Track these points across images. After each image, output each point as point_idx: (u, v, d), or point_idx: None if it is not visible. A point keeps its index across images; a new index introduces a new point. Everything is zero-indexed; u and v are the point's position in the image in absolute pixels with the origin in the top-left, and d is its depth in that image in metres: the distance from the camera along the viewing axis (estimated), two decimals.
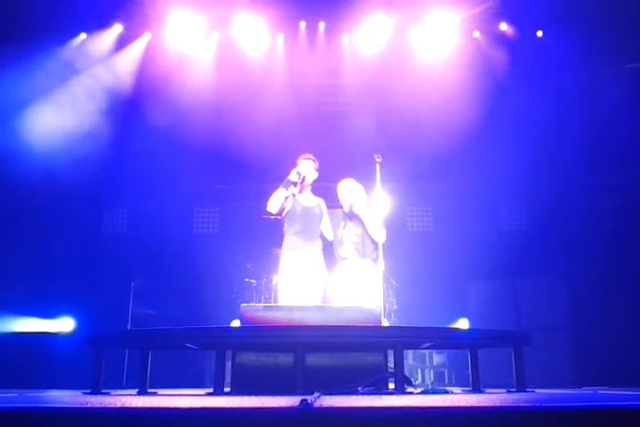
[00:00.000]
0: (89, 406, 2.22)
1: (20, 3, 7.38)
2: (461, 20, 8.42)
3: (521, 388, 4.00)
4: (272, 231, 5.57)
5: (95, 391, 3.80)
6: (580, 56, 7.93)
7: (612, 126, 7.79)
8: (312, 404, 2.12)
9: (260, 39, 8.59)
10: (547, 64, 8.30)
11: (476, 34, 8.65)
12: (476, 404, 2.34)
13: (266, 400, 2.45)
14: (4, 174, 7.39)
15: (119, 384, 6.57)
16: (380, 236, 4.96)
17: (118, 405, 2.26)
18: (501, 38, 8.56)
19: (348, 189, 5.23)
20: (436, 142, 7.96)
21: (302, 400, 2.13)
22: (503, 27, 8.54)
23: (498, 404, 2.36)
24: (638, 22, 7.68)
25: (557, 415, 2.19)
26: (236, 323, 4.83)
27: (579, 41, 7.82)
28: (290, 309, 4.05)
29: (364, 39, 8.63)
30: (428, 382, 7.39)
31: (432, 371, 7.57)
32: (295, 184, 5.05)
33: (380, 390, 3.74)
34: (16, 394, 3.83)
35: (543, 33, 8.51)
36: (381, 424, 2.15)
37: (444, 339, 4.18)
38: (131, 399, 2.63)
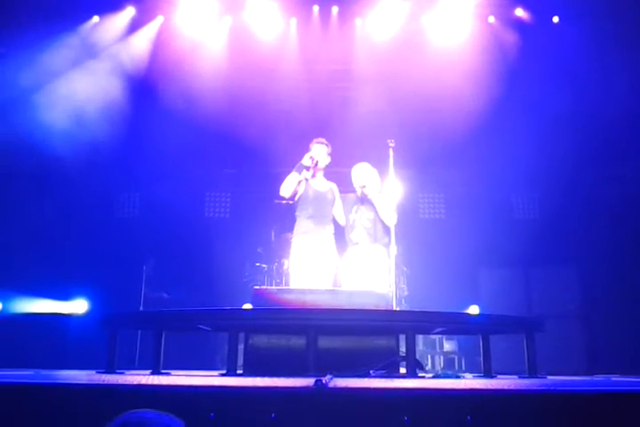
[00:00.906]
0: (105, 383, 2.25)
1: None
2: (476, 4, 8.33)
3: (533, 374, 3.99)
4: (283, 216, 5.58)
5: (110, 371, 3.84)
6: (595, 43, 7.83)
7: (627, 115, 7.71)
8: (327, 384, 2.14)
9: (272, 23, 8.52)
10: (561, 50, 8.20)
11: (492, 19, 8.54)
12: (488, 387, 2.35)
13: (280, 381, 2.47)
14: (18, 158, 7.43)
15: (132, 366, 6.64)
16: (392, 219, 4.96)
17: (134, 382, 2.29)
18: (517, 24, 8.46)
19: (362, 173, 5.21)
20: (449, 129, 7.92)
21: (317, 381, 2.15)
22: (519, 12, 8.44)
23: (512, 387, 2.37)
24: None
25: (569, 399, 2.20)
26: (247, 306, 4.86)
27: (594, 27, 7.73)
28: (302, 292, 4.06)
29: (378, 24, 8.55)
30: (439, 369, 7.40)
31: (442, 357, 7.58)
32: (308, 169, 5.04)
33: (392, 373, 3.75)
34: (32, 373, 3.87)
35: (559, 19, 8.40)
36: (395, 405, 2.17)
37: (456, 324, 4.18)
38: (146, 378, 2.66)
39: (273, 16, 8.43)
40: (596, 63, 8.06)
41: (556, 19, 8.41)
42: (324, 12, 8.56)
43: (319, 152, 5.10)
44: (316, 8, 8.54)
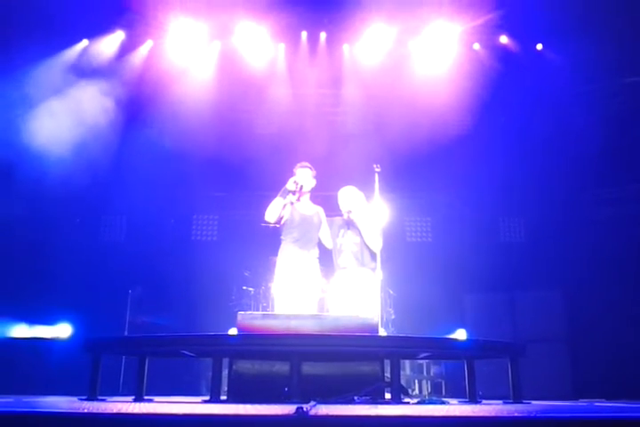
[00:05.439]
0: (85, 411, 2.22)
1: (22, 7, 7.43)
2: (462, 31, 8.49)
3: (517, 399, 3.99)
4: (270, 240, 5.57)
5: (91, 398, 3.79)
6: (578, 69, 7.99)
7: (611, 140, 7.83)
8: (308, 412, 2.12)
9: (261, 48, 8.64)
10: (546, 77, 8.36)
11: (477, 46, 8.71)
12: (471, 414, 2.34)
13: (262, 408, 2.45)
14: (3, 181, 7.39)
15: (115, 391, 6.55)
16: (377, 244, 4.95)
17: (114, 411, 2.26)
18: (501, 51, 8.63)
19: (348, 197, 5.23)
20: (435, 153, 8.00)
21: (298, 408, 2.13)
22: (503, 39, 8.61)
23: (493, 414, 2.37)
24: (636, 37, 7.75)
25: (552, 426, 2.20)
26: (233, 331, 4.83)
27: (578, 55, 7.89)
28: (287, 317, 4.04)
29: (365, 50, 8.69)
30: (425, 393, 7.36)
31: (429, 382, 7.54)
32: (293, 193, 5.05)
33: (377, 399, 3.72)
34: (12, 399, 3.82)
35: (543, 46, 8.58)
36: None
37: (440, 349, 4.17)
38: (127, 406, 2.63)
39: (262, 41, 8.55)
40: (580, 89, 8.21)
41: (539, 46, 8.59)
42: (313, 38, 8.70)
43: (303, 176, 5.13)
44: (304, 34, 8.68)
